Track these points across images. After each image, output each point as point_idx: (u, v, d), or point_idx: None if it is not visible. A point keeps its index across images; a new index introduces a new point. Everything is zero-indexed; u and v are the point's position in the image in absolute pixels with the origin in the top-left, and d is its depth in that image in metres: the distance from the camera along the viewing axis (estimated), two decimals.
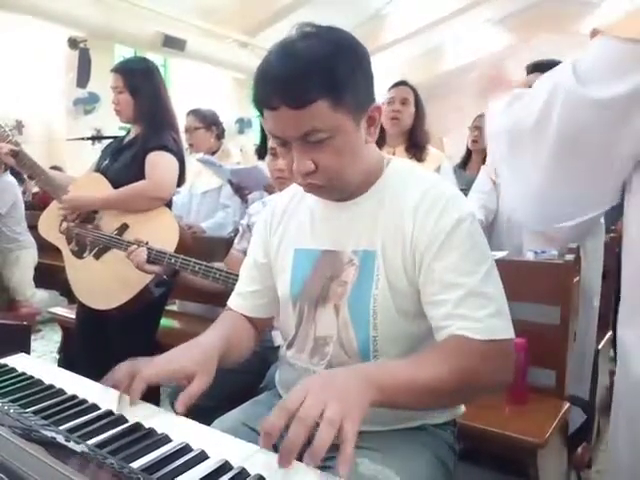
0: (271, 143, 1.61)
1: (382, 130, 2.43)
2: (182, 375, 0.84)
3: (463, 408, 1.06)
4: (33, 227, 3.98)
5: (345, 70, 0.82)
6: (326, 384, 0.69)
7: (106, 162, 2.07)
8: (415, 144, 2.40)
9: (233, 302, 1.10)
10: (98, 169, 2.09)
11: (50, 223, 2.10)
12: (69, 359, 2.63)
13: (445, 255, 0.86)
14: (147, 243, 1.74)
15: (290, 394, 0.68)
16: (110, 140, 2.27)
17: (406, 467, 0.87)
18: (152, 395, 0.86)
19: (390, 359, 0.92)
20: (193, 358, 0.86)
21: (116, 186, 1.96)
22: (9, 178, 3.93)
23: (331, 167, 0.86)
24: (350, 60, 0.84)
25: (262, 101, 0.83)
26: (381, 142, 2.43)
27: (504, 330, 0.85)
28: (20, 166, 2.07)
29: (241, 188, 2.66)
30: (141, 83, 1.98)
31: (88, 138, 3.66)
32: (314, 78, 0.79)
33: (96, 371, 0.91)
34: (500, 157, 0.92)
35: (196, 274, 1.67)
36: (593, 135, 0.74)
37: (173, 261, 1.68)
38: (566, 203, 0.84)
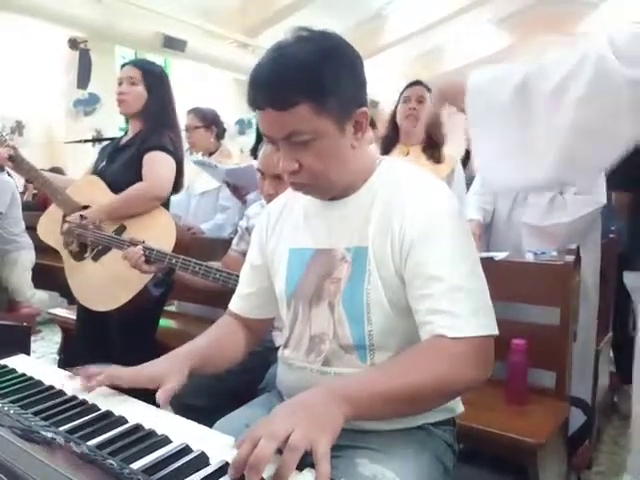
0: (258, 165, 1.66)
1: (396, 128, 2.41)
2: (148, 381, 0.89)
3: (462, 407, 1.06)
4: (32, 228, 3.98)
5: (330, 75, 0.85)
6: (294, 410, 0.71)
7: (103, 164, 2.07)
8: (432, 144, 2.37)
9: (232, 304, 1.15)
10: (95, 171, 2.09)
11: (49, 226, 2.10)
12: (69, 360, 2.63)
13: (429, 249, 0.87)
14: (143, 242, 1.75)
15: (256, 425, 0.69)
16: (107, 142, 2.28)
17: (405, 468, 0.87)
18: (153, 397, 0.86)
19: (367, 369, 0.94)
20: (161, 366, 0.93)
21: (114, 187, 1.96)
22: (6, 177, 3.91)
23: (314, 168, 0.89)
24: (337, 66, 0.86)
25: (252, 101, 0.89)
26: (395, 141, 2.41)
27: (485, 327, 0.85)
28: (18, 170, 2.08)
29: (238, 189, 2.65)
30: (157, 82, 2.01)
31: (86, 140, 3.66)
32: (298, 82, 0.83)
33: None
34: (484, 116, 0.92)
35: (196, 274, 1.67)
36: (616, 106, 0.77)
37: (174, 261, 1.68)
38: (575, 164, 0.86)
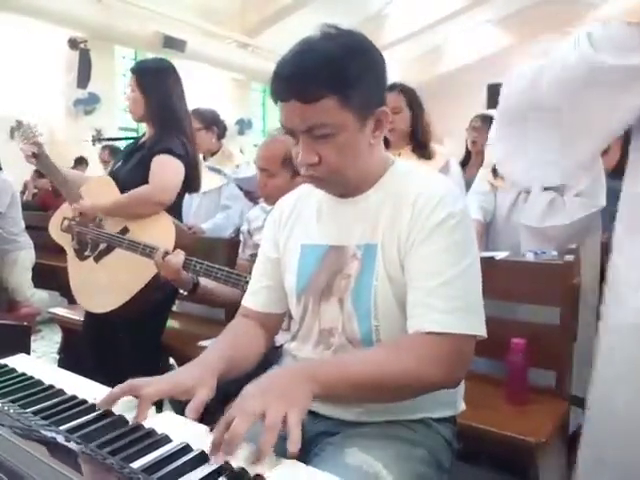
0: (256, 161, 1.69)
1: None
2: (181, 390, 0.85)
3: (463, 405, 1.07)
4: (32, 227, 3.97)
5: (356, 72, 0.86)
6: (265, 389, 0.75)
7: (119, 164, 2.08)
8: (418, 144, 2.38)
9: (246, 300, 1.13)
10: (111, 171, 2.11)
11: (59, 225, 2.10)
12: (69, 359, 2.63)
13: (428, 245, 0.89)
14: (143, 244, 1.74)
15: (231, 407, 0.72)
16: (130, 142, 2.29)
17: (395, 459, 0.87)
18: None
19: (343, 355, 0.96)
20: (192, 375, 0.87)
21: (125, 188, 1.96)
22: (5, 177, 3.90)
23: (333, 162, 0.90)
24: (362, 63, 0.88)
25: (276, 93, 0.89)
26: (386, 145, 2.41)
27: (468, 326, 0.86)
28: (39, 166, 2.12)
29: (249, 193, 2.69)
30: (151, 83, 1.98)
31: (108, 139, 3.67)
32: (324, 76, 0.84)
33: (103, 372, 0.91)
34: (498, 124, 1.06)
35: (218, 280, 1.64)
36: (594, 98, 0.88)
37: (198, 267, 1.65)
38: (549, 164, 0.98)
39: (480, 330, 0.87)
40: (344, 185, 0.96)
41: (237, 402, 0.73)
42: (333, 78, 0.84)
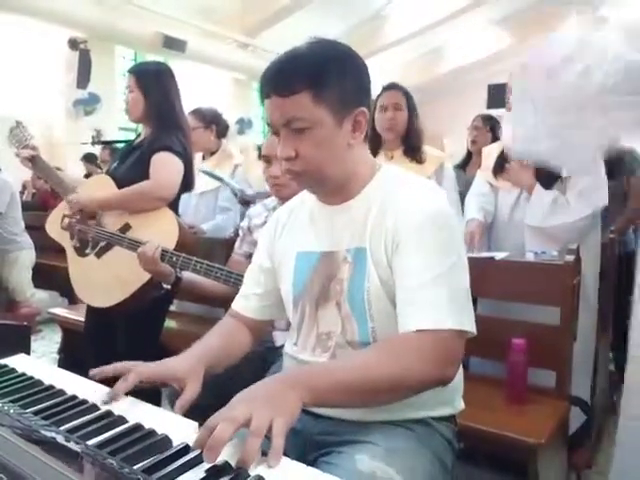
0: (264, 151, 1.68)
1: (378, 135, 2.38)
2: (172, 377, 0.93)
3: (462, 404, 1.07)
4: (32, 227, 3.97)
5: (334, 71, 0.91)
6: (252, 397, 0.75)
7: (115, 164, 2.10)
8: (411, 147, 2.37)
9: (237, 304, 1.16)
10: (108, 171, 2.12)
11: (57, 222, 2.11)
12: (69, 360, 2.63)
13: (413, 244, 0.91)
14: (146, 243, 1.74)
15: (215, 414, 0.72)
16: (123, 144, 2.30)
17: (406, 464, 0.88)
18: (153, 396, 0.87)
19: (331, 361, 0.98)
20: (182, 366, 0.95)
21: (122, 187, 1.97)
22: (4, 177, 3.90)
23: (309, 157, 0.93)
24: (341, 65, 0.93)
25: (262, 92, 0.95)
26: (378, 145, 2.40)
27: (457, 322, 0.86)
28: (36, 170, 2.15)
29: (247, 202, 2.68)
30: (151, 83, 2.00)
31: (107, 142, 3.67)
32: (301, 73, 0.90)
33: None
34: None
35: (218, 280, 1.65)
36: None
37: (198, 267, 1.67)
38: None
39: (467, 326, 0.88)
40: (323, 183, 0.98)
41: (223, 409, 0.73)
42: (310, 75, 0.89)
